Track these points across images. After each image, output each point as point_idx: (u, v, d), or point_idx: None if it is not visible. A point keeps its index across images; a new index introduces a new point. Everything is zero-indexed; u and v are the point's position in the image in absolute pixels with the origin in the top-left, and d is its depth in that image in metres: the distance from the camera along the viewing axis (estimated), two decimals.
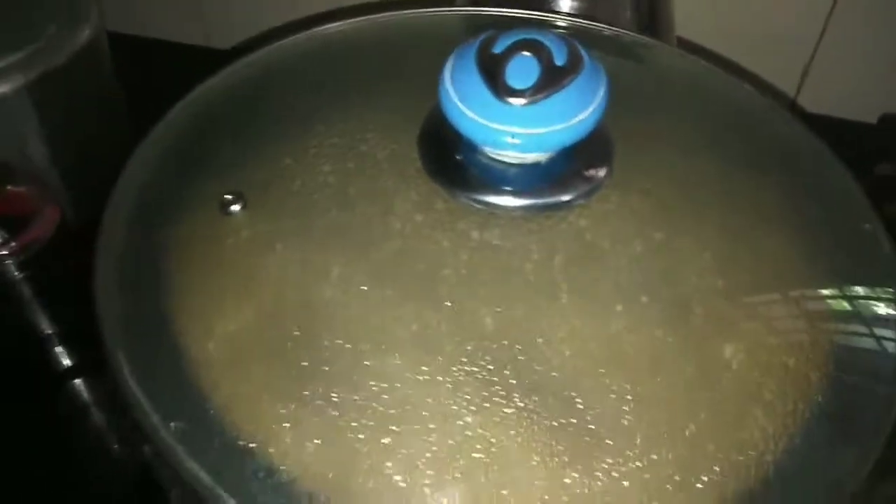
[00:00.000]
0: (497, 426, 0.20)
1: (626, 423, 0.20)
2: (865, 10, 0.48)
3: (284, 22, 0.53)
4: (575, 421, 0.20)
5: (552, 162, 0.24)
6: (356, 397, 0.20)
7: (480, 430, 0.20)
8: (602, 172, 0.24)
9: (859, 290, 0.24)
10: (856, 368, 0.23)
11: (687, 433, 0.20)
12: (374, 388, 0.20)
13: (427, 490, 0.19)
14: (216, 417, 0.20)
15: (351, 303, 0.22)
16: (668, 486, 0.19)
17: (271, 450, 0.20)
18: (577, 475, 0.19)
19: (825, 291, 0.24)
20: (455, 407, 0.20)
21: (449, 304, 0.22)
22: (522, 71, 0.22)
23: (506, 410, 0.20)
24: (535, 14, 0.33)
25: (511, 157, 0.23)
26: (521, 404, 0.20)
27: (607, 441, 0.20)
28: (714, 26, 0.50)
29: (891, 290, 0.24)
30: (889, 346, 0.23)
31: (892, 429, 0.21)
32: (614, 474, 0.19)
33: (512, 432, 0.20)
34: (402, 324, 0.21)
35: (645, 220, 0.24)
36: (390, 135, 0.25)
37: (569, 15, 0.37)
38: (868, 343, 0.24)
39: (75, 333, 0.39)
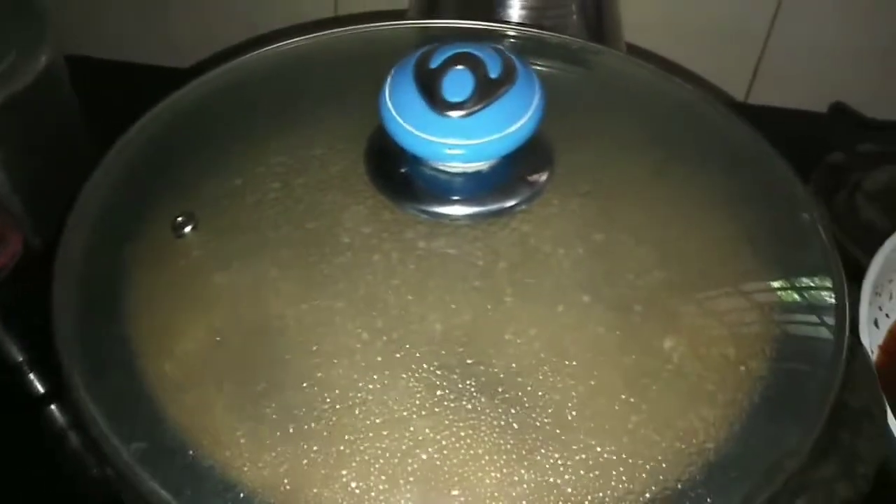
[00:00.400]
0: (447, 428, 0.21)
1: (570, 418, 0.21)
2: (813, 3, 0.50)
3: (245, 39, 0.53)
4: (522, 419, 0.21)
5: (494, 170, 0.24)
6: (310, 409, 0.21)
7: (431, 434, 0.20)
8: (543, 177, 0.25)
9: (797, 279, 0.25)
10: (795, 355, 0.23)
11: (630, 426, 0.21)
12: (327, 399, 0.21)
13: (381, 495, 0.20)
14: (175, 436, 0.21)
15: (303, 317, 0.23)
16: (613, 475, 0.20)
17: (229, 465, 0.20)
18: (524, 472, 0.20)
19: (764, 282, 0.25)
20: (406, 412, 0.21)
21: (398, 312, 0.22)
22: (458, 84, 0.23)
23: (455, 413, 0.21)
24: (485, 24, 0.33)
25: (453, 167, 0.24)
26: (470, 406, 0.21)
27: (553, 436, 0.20)
28: (665, 26, 0.51)
29: (828, 277, 0.25)
30: (826, 331, 0.24)
31: (830, 411, 0.22)
32: (561, 468, 0.20)
33: (462, 434, 0.21)
34: (353, 334, 0.22)
35: (586, 222, 0.24)
36: (339, 151, 0.26)
37: (518, 24, 0.38)
38: (807, 330, 0.25)
39: (45, 359, 0.39)
